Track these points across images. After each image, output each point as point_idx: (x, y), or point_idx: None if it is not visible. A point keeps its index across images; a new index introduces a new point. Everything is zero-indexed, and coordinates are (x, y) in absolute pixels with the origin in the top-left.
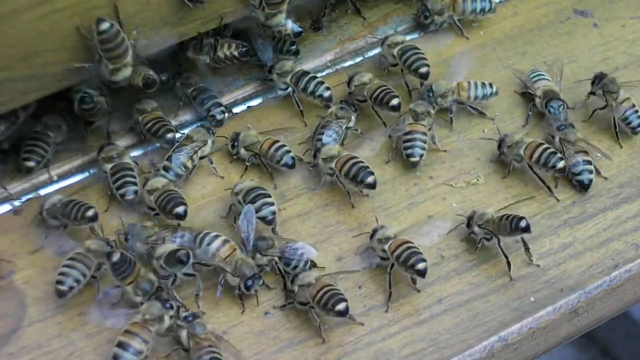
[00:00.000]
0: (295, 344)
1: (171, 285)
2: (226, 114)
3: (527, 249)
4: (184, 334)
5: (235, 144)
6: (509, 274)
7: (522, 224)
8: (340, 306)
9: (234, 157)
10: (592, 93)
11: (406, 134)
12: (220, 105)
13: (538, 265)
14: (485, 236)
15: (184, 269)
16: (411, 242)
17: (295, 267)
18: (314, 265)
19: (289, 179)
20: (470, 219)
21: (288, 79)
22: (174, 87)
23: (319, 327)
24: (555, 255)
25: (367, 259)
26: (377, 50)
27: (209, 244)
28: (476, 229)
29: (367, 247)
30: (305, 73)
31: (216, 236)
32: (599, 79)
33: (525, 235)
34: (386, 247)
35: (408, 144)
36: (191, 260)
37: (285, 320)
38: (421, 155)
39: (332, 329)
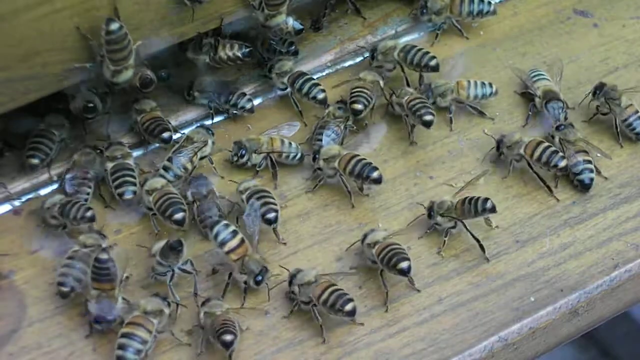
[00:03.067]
0: (295, 344)
1: (169, 282)
2: (254, 101)
3: (486, 218)
4: (202, 315)
5: (244, 152)
6: (484, 256)
7: (488, 204)
8: (349, 306)
9: (243, 166)
10: (597, 108)
11: (410, 102)
12: (244, 94)
13: (497, 227)
14: (449, 225)
15: (180, 259)
16: (396, 244)
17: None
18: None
19: (289, 179)
20: (430, 209)
21: (285, 80)
22: (194, 99)
23: (320, 326)
24: (555, 255)
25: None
26: None
27: (222, 243)
28: (439, 218)
29: (360, 251)
30: (302, 74)
31: (233, 233)
32: (599, 90)
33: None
34: (373, 251)
35: (416, 106)
36: (185, 249)
37: (285, 320)
38: (434, 115)
39: (332, 329)
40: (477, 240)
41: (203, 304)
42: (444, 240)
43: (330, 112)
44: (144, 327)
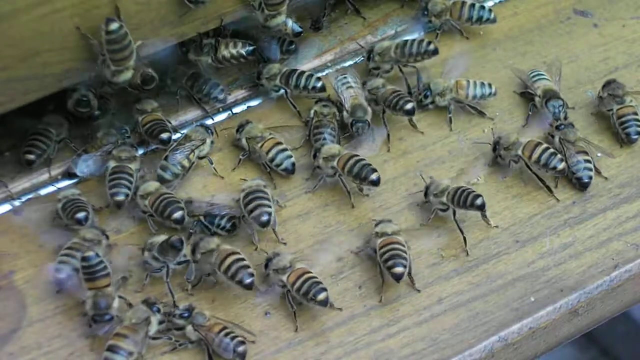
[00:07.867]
0: (295, 344)
1: (166, 278)
2: (227, 94)
3: (483, 215)
4: (189, 329)
5: (241, 129)
6: (465, 249)
7: (478, 201)
8: (321, 296)
9: (234, 144)
10: (598, 99)
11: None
12: (219, 85)
13: (497, 227)
14: (439, 207)
15: (178, 257)
16: (399, 243)
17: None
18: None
19: (289, 179)
20: (427, 188)
21: (277, 81)
22: (166, 85)
23: (293, 314)
24: (555, 255)
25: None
26: None
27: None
28: (432, 198)
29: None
30: (294, 70)
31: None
32: (607, 84)
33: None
34: (378, 242)
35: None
36: (185, 245)
37: (285, 320)
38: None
39: (332, 329)
40: (461, 232)
41: (183, 318)
42: (430, 217)
43: (317, 111)
44: (129, 338)
